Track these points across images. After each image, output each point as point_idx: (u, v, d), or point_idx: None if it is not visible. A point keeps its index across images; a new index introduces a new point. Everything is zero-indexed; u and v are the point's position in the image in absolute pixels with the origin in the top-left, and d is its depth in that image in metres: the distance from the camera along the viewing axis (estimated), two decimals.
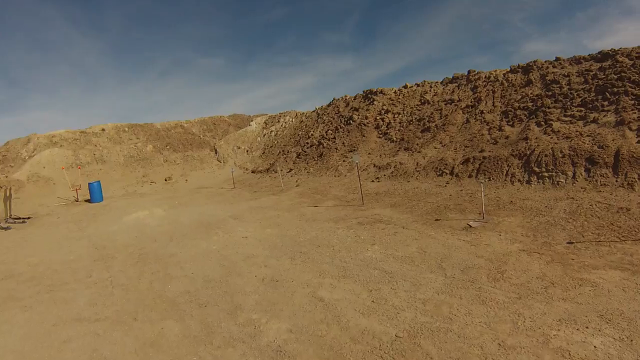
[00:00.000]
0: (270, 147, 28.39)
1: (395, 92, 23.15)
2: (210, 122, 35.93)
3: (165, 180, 24.53)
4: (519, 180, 11.11)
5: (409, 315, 5.04)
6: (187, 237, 10.29)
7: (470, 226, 8.66)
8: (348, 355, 4.29)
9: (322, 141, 23.04)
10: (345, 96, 27.16)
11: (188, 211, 14.18)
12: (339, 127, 23.42)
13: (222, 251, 8.83)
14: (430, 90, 20.94)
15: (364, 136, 20.84)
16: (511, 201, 9.94)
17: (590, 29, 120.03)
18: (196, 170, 27.26)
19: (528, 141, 12.19)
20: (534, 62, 16.43)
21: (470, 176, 12.88)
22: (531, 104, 14.21)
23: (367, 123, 21.51)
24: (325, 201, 13.45)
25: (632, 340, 4.12)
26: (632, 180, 8.90)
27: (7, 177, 21.68)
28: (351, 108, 24.61)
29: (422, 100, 20.33)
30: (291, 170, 22.21)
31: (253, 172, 25.04)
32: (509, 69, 17.79)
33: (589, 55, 14.52)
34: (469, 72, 19.93)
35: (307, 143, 24.37)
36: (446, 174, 13.80)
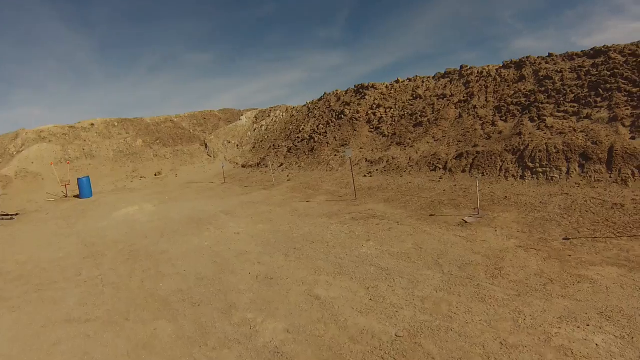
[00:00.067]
0: (261, 141, 28.13)
1: (387, 87, 23.04)
2: (201, 116, 35.45)
3: (155, 175, 24.14)
4: (513, 176, 11.10)
5: (408, 313, 4.95)
6: (178, 233, 10.09)
7: (466, 222, 8.62)
8: (348, 356, 4.19)
9: (314, 135, 22.86)
10: (337, 90, 26.97)
11: (178, 206, 13.94)
12: (330, 121, 23.26)
13: (214, 248, 8.66)
14: (422, 85, 20.87)
15: (355, 131, 20.72)
16: (506, 196, 9.92)
17: (579, 27, 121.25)
18: (186, 165, 26.90)
19: (522, 136, 12.20)
20: (527, 58, 16.45)
21: (464, 171, 12.84)
22: (524, 99, 14.22)
23: (359, 117, 21.38)
24: (318, 196, 13.32)
25: (633, 338, 4.09)
26: (625, 177, 8.94)
27: None
28: (342, 102, 24.46)
29: (414, 95, 20.26)
30: (282, 164, 22.02)
31: (243, 166, 24.79)
32: (501, 65, 17.80)
33: (581, 51, 14.58)
34: (461, 67, 19.91)
35: (298, 137, 24.17)
36: (439, 168, 13.75)
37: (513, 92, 15.22)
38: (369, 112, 21.36)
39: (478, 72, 18.36)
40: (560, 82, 13.55)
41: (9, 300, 6.67)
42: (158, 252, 8.61)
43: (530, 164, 10.90)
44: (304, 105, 29.44)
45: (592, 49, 14.12)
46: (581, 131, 10.82)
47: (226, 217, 11.43)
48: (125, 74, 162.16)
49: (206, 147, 29.43)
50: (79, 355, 4.77)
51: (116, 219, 12.67)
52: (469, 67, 19.40)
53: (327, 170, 18.22)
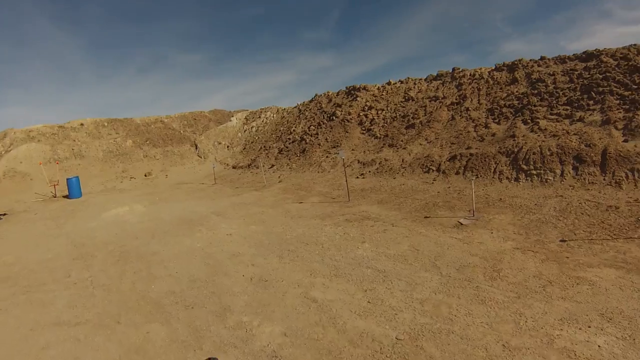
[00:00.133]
0: (251, 142, 27.96)
1: (378, 89, 23.05)
2: (191, 117, 35.14)
3: (145, 175, 23.82)
4: (507, 178, 11.13)
5: (408, 316, 4.87)
6: (170, 234, 9.91)
7: (461, 224, 8.58)
8: None
9: (305, 137, 22.75)
10: (328, 92, 26.92)
11: (169, 207, 13.73)
12: (321, 122, 23.18)
13: (207, 249, 8.51)
14: (414, 87, 20.91)
15: (347, 132, 20.66)
16: (500, 199, 9.92)
17: (567, 31, 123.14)
18: (176, 165, 26.62)
19: (515, 139, 12.25)
20: (519, 60, 16.57)
21: (457, 173, 12.85)
22: (517, 102, 14.30)
23: (350, 119, 21.33)
24: (310, 197, 13.21)
25: (634, 339, 4.06)
26: (619, 179, 9.00)
27: None
28: (334, 104, 24.40)
29: (406, 97, 20.28)
30: (273, 166, 21.86)
31: (234, 167, 24.59)
32: (494, 67, 17.91)
33: (573, 55, 14.72)
34: (453, 69, 19.98)
35: (289, 139, 24.05)
36: (433, 170, 13.74)
37: (506, 94, 15.30)
38: (361, 114, 21.32)
39: (470, 75, 18.45)
40: (553, 85, 13.66)
41: None
42: (149, 254, 8.42)
43: (525, 166, 10.93)
44: (295, 107, 29.34)
45: (584, 53, 14.27)
46: (574, 134, 10.89)
47: (218, 218, 11.26)
48: (115, 74, 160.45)
49: (196, 148, 29.16)
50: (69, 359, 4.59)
51: (106, 219, 12.42)
52: (461, 70, 19.48)
53: (318, 172, 18.13)
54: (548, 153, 10.68)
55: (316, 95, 27.97)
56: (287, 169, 20.48)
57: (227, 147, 29.23)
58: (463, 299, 5.18)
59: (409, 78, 22.20)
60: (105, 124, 28.84)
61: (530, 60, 16.26)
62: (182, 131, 32.05)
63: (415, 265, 6.56)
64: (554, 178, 10.09)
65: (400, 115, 19.08)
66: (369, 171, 15.90)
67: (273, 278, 6.59)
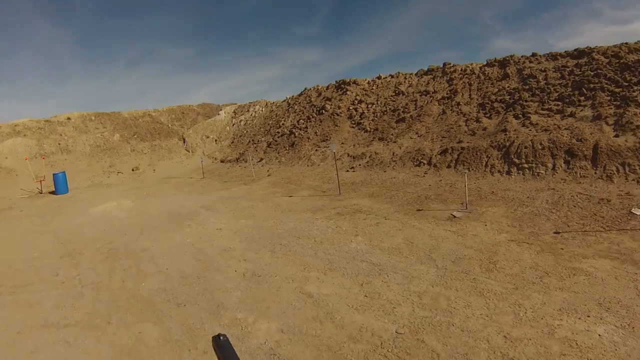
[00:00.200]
0: (240, 136, 27.67)
1: (368, 83, 22.96)
2: (179, 111, 34.60)
3: (133, 170, 23.40)
4: (499, 171, 11.16)
5: (406, 309, 4.79)
6: (159, 230, 9.69)
7: (454, 216, 8.56)
8: (349, 355, 3.98)
9: (294, 130, 22.57)
10: (318, 86, 26.73)
11: (157, 202, 13.48)
12: (311, 116, 23.02)
13: (197, 244, 8.33)
14: (404, 82, 20.87)
15: (336, 126, 20.54)
16: (492, 192, 9.94)
17: (557, 29, 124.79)
18: (164, 159, 26.19)
19: (507, 133, 12.29)
20: (511, 56, 16.65)
21: (448, 166, 12.85)
22: (508, 97, 14.36)
23: (340, 113, 21.22)
24: (300, 191, 13.09)
25: (633, 328, 4.07)
26: (610, 173, 9.08)
27: None
28: (323, 98, 24.25)
29: (397, 91, 20.23)
30: (262, 159, 21.65)
31: (222, 161, 24.29)
32: (485, 63, 17.96)
33: (564, 52, 14.83)
34: (444, 64, 19.98)
35: (278, 132, 23.85)
36: (424, 164, 13.73)
37: (497, 89, 15.35)
38: (351, 108, 21.22)
39: (461, 70, 18.48)
40: (544, 81, 13.74)
41: None
42: (138, 250, 8.21)
43: (516, 160, 10.97)
44: (284, 101, 29.11)
45: (576, 50, 14.37)
46: (566, 129, 10.96)
47: (207, 213, 11.08)
48: (103, 67, 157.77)
49: (184, 142, 28.74)
50: None
51: (93, 215, 12.12)
52: (452, 65, 19.49)
53: (308, 165, 17.99)
54: (540, 147, 10.74)
55: (305, 89, 27.76)
56: (276, 163, 20.30)
57: (216, 141, 28.88)
58: (461, 291, 5.14)
59: (399, 73, 22.15)
60: (93, 118, 28.22)
61: (522, 56, 16.34)
62: (170, 125, 31.55)
63: (410, 258, 6.50)
64: (545, 172, 10.15)
65: (390, 109, 19.03)
66: (359, 164, 15.83)
67: (266, 273, 6.47)
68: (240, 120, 30.08)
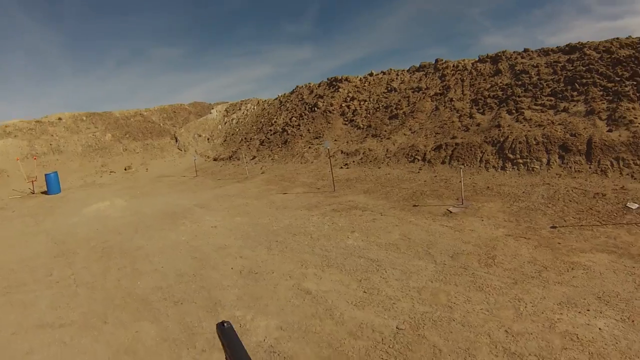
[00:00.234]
0: (232, 134, 27.54)
1: (360, 80, 22.94)
2: (171, 110, 34.34)
3: (125, 169, 23.18)
4: (494, 167, 11.19)
5: (406, 305, 4.76)
6: (153, 228, 9.59)
7: (451, 212, 8.56)
8: (350, 352, 3.94)
9: (287, 128, 22.49)
10: (309, 83, 26.65)
11: (151, 201, 13.35)
12: (303, 114, 22.95)
13: (192, 242, 8.25)
14: (396, 78, 20.86)
15: (329, 123, 20.50)
16: (488, 187, 9.96)
17: (547, 25, 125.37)
18: (156, 158, 26.00)
19: (501, 128, 12.32)
20: (503, 52, 16.69)
21: (443, 162, 12.86)
22: (501, 92, 14.40)
23: (333, 110, 21.17)
24: (294, 188, 13.04)
25: (633, 321, 4.07)
26: (605, 167, 9.13)
27: None
28: (315, 95, 24.19)
29: (389, 88, 20.22)
30: (255, 157, 21.55)
31: (215, 160, 24.15)
32: (477, 59, 17.99)
33: (556, 47, 14.89)
34: (436, 60, 19.99)
35: (271, 130, 23.75)
36: (418, 160, 13.73)
37: (489, 85, 15.39)
38: (343, 105, 21.18)
39: (453, 66, 18.50)
40: (537, 77, 13.80)
41: None
42: (133, 249, 8.10)
43: (511, 155, 11.01)
44: (276, 99, 29.02)
45: (567, 45, 14.45)
46: (559, 124, 11.02)
47: (201, 211, 10.99)
48: (93, 67, 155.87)
49: (176, 141, 28.53)
50: None
51: (87, 215, 11.96)
52: (444, 61, 19.51)
53: (301, 163, 17.94)
54: (534, 142, 10.78)
55: (297, 86, 27.68)
56: (269, 160, 20.22)
57: (208, 139, 28.71)
58: (460, 286, 5.12)
59: (391, 69, 22.13)
60: (84, 118, 27.93)
61: (514, 52, 16.40)
62: (161, 124, 31.29)
63: (408, 254, 6.48)
64: (540, 166, 10.19)
65: (383, 106, 19.02)
66: (353, 161, 15.81)
67: (263, 270, 6.41)
68: (232, 119, 29.94)
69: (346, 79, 23.39)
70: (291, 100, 26.17)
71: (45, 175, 17.65)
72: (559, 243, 6.25)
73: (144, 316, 5.13)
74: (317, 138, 19.66)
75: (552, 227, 6.96)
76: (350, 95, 21.63)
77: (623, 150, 9.22)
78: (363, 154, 16.00)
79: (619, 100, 10.57)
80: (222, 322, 0.84)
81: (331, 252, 6.92)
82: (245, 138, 25.35)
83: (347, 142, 18.01)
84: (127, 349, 4.42)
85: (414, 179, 11.99)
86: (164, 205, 12.31)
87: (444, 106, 16.01)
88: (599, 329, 3.99)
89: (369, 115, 19.06)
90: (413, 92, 18.56)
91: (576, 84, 12.14)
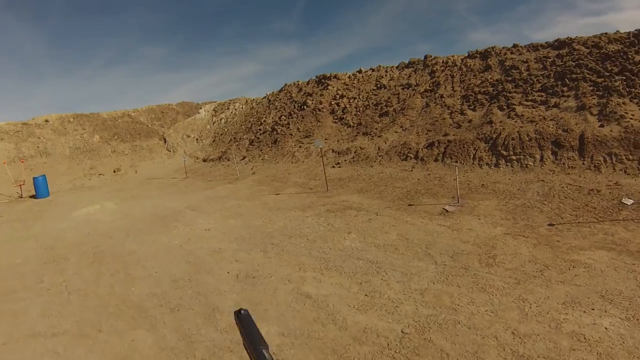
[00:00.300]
0: (221, 134, 27.26)
1: (349, 77, 22.81)
2: (159, 110, 33.91)
3: (114, 171, 22.81)
4: (487, 164, 11.20)
5: (410, 308, 4.69)
6: (145, 232, 9.40)
7: (447, 211, 8.52)
8: (355, 358, 3.85)
9: (276, 127, 22.31)
10: (298, 82, 26.45)
11: (141, 204, 13.12)
12: (292, 112, 22.78)
13: (185, 246, 8.10)
14: (385, 75, 20.81)
15: (319, 121, 20.36)
16: (482, 184, 9.95)
17: (532, 21, 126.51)
18: (145, 160, 25.64)
19: (493, 125, 12.35)
20: (492, 48, 16.74)
21: (436, 160, 12.85)
22: (492, 88, 14.44)
23: (322, 108, 21.03)
24: (287, 188, 12.91)
25: (638, 319, 4.06)
26: (598, 163, 9.19)
27: None
28: (304, 93, 24.02)
29: (378, 85, 20.15)
30: (245, 157, 21.33)
31: (204, 160, 23.88)
32: (466, 55, 18.02)
33: (546, 42, 14.98)
34: (425, 57, 19.96)
35: (260, 129, 23.53)
36: (411, 158, 13.70)
37: (480, 81, 15.42)
38: (332, 103, 21.07)
39: (443, 62, 18.50)
40: (527, 72, 13.86)
41: None
42: (125, 253, 7.90)
43: (504, 152, 11.03)
44: (264, 97, 28.76)
45: (556, 41, 14.54)
46: (551, 119, 11.07)
47: (193, 213, 10.81)
48: (79, 67, 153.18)
49: (165, 142, 28.18)
50: None
51: (76, 219, 11.70)
52: (433, 57, 19.50)
53: (292, 162, 17.80)
54: (527, 138, 10.81)
55: (286, 85, 27.45)
56: (259, 160, 20.03)
57: (197, 140, 28.39)
58: (463, 287, 5.06)
59: (380, 66, 22.06)
60: (71, 120, 27.44)
61: (503, 47, 16.45)
62: (150, 125, 30.87)
63: (407, 255, 6.41)
64: (534, 163, 10.22)
65: (373, 103, 18.96)
66: (345, 160, 15.72)
67: (260, 274, 6.29)
68: (221, 119, 29.65)
69: (335, 77, 23.26)
70: (280, 99, 25.97)
71: (34, 178, 17.28)
72: (558, 241, 6.24)
73: (139, 324, 4.97)
74: (307, 137, 19.51)
75: (549, 225, 6.96)
76: (339, 92, 21.51)
77: (615, 145, 9.29)
78: (354, 152, 15.92)
79: (610, 96, 10.66)
80: (240, 310, 0.88)
81: (329, 254, 6.82)
82: (234, 138, 25.10)
83: (338, 140, 17.91)
84: (124, 358, 4.27)
85: (408, 178, 11.95)
86: (154, 208, 12.10)
87: (434, 103, 16.01)
88: (605, 328, 3.96)
89: (359, 113, 18.97)
90: (403, 88, 18.53)
91: (566, 80, 12.22)
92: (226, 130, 27.49)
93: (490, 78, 15.17)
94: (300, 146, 19.04)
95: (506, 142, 11.21)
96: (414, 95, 17.40)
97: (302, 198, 11.23)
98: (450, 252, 6.30)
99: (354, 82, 21.94)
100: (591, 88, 11.37)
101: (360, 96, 20.28)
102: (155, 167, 23.88)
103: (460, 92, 15.74)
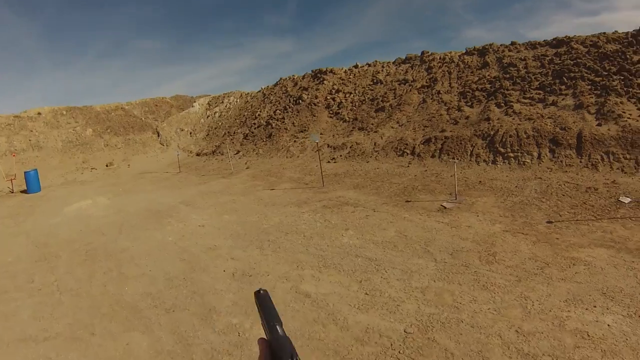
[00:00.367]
0: (215, 128, 27.01)
1: (345, 72, 22.70)
2: (152, 103, 33.50)
3: (107, 165, 22.51)
4: (485, 161, 11.17)
5: (412, 307, 4.62)
6: (138, 228, 9.24)
7: (445, 207, 8.47)
8: None
9: (271, 121, 22.13)
10: (293, 76, 26.27)
11: (134, 199, 12.93)
12: (287, 107, 22.61)
13: (179, 243, 7.96)
14: (382, 70, 20.71)
15: (314, 116, 20.23)
16: (480, 181, 9.92)
17: (527, 20, 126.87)
18: (139, 154, 25.35)
19: (490, 122, 12.32)
20: (490, 45, 16.71)
21: (433, 156, 12.80)
22: (489, 85, 14.41)
23: (318, 103, 20.89)
24: (281, 184, 12.79)
25: None
26: (595, 161, 9.20)
27: None
28: (300, 88, 23.85)
29: (375, 80, 20.06)
30: (239, 152, 21.15)
31: (198, 154, 23.66)
32: (464, 51, 17.98)
33: (544, 40, 14.97)
34: (422, 53, 19.90)
35: (255, 124, 23.34)
36: (407, 154, 13.64)
37: (477, 78, 15.39)
38: (328, 97, 20.94)
39: (440, 58, 18.45)
40: (525, 70, 13.85)
41: None
42: (118, 251, 7.75)
43: (502, 149, 11.01)
44: (259, 91, 28.55)
45: (554, 39, 14.53)
46: (549, 117, 11.06)
47: (187, 209, 10.66)
48: (73, 60, 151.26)
49: (159, 136, 27.88)
50: None
51: (68, 214, 11.49)
52: (430, 53, 19.44)
53: (287, 157, 17.66)
54: (524, 136, 10.80)
55: (281, 79, 27.25)
56: (253, 155, 19.87)
57: (190, 133, 28.12)
58: (464, 285, 5.01)
59: (376, 61, 21.96)
60: (64, 113, 27.01)
61: (501, 45, 16.43)
62: (143, 118, 30.49)
63: (406, 252, 6.35)
64: (531, 160, 10.21)
65: (369, 98, 18.86)
66: (340, 155, 15.62)
67: (257, 272, 6.18)
68: (215, 112, 29.37)
69: (331, 71, 23.11)
70: (275, 93, 25.77)
71: (25, 173, 16.95)
72: (557, 238, 6.21)
73: (134, 326, 4.84)
74: (302, 132, 19.37)
75: (548, 222, 6.94)
76: (335, 87, 21.38)
77: (613, 144, 9.30)
78: (350, 147, 15.82)
79: (607, 95, 10.67)
80: (259, 290, 0.93)
81: (327, 251, 6.73)
82: (228, 132, 24.88)
83: (334, 135, 17.80)
84: None
85: (404, 174, 11.88)
86: (148, 203, 11.92)
87: (431, 99, 15.95)
88: (608, 325, 3.93)
89: (354, 108, 18.87)
90: (399, 84, 18.45)
91: (564, 78, 12.21)
92: (220, 124, 27.24)
93: (488, 75, 15.14)
94: (295, 141, 18.90)
95: (504, 139, 11.18)
96: (410, 90, 17.33)
97: (298, 193, 11.12)
98: (450, 249, 6.25)
99: (350, 77, 21.82)
100: (589, 87, 11.37)
101: (357, 91, 20.17)
102: (148, 161, 23.60)
103: (458, 88, 15.70)
